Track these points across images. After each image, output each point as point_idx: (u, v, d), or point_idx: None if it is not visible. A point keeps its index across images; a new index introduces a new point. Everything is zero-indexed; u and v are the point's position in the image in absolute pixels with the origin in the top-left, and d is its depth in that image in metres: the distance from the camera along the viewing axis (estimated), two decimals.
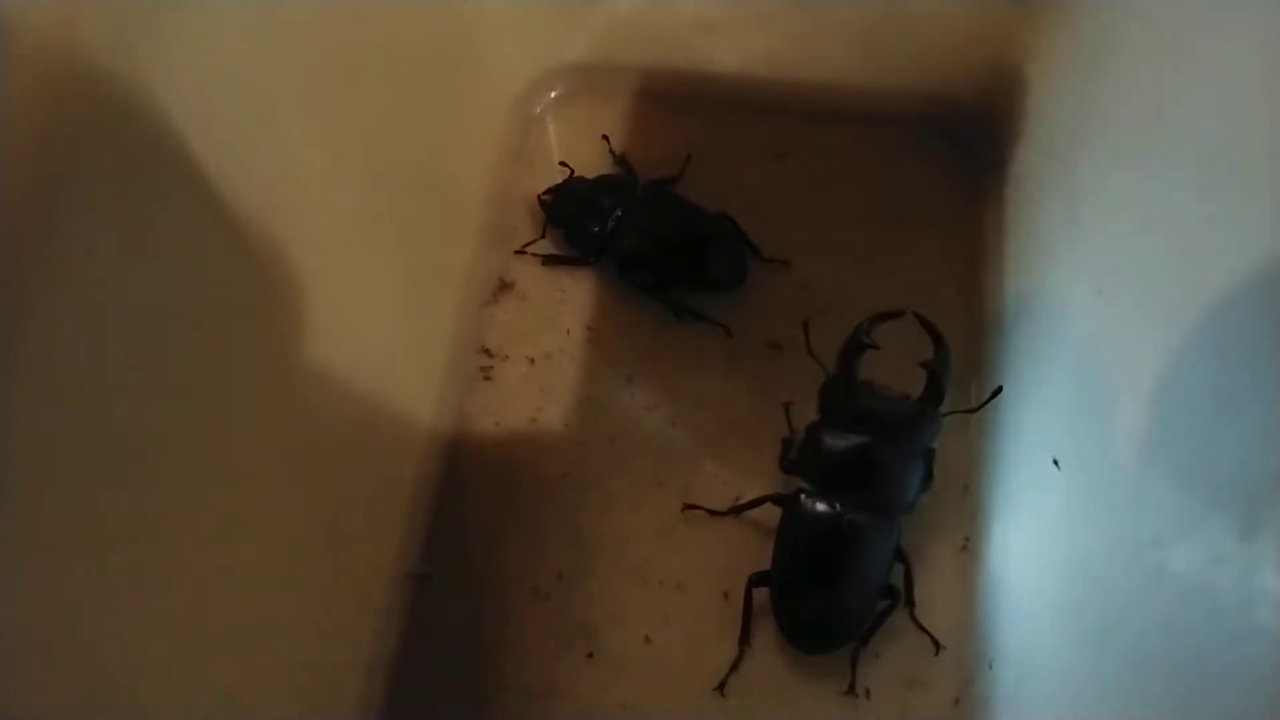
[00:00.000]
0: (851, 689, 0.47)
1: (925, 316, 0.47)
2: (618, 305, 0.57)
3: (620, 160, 0.60)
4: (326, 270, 0.41)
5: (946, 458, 0.52)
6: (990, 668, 0.47)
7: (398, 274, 0.49)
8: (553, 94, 0.62)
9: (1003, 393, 0.48)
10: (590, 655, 0.49)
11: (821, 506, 0.46)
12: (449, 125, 0.54)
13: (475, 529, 0.52)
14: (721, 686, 0.48)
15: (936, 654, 0.48)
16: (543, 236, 0.58)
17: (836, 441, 0.46)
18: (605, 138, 0.60)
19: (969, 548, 0.50)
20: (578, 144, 0.61)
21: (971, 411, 0.49)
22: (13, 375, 0.26)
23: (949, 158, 0.59)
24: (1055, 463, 0.43)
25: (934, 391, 0.46)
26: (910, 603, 0.48)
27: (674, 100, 0.61)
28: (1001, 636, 0.47)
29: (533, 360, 0.56)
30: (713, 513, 0.51)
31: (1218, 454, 0.31)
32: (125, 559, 0.33)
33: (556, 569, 0.51)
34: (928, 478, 0.47)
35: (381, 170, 0.47)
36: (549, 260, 0.58)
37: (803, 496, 0.47)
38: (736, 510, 0.50)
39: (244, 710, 0.39)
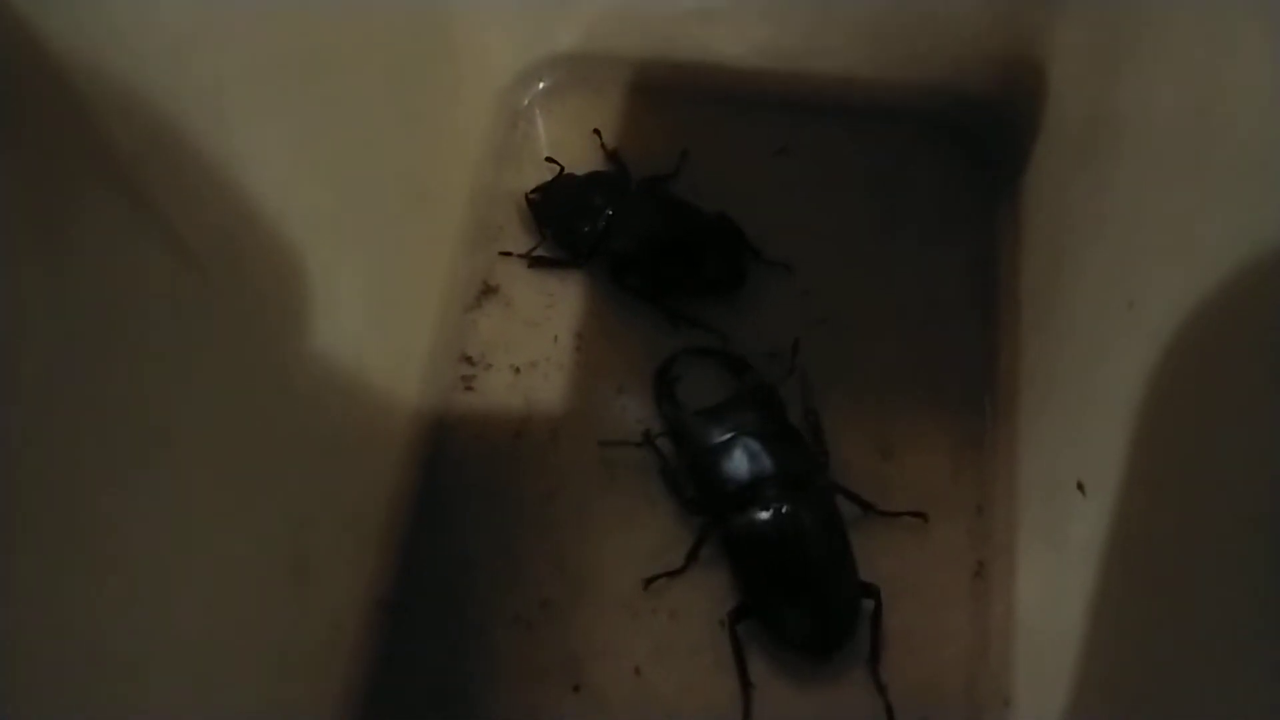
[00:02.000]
0: (889, 712, 0.44)
1: (691, 348, 0.51)
2: (609, 311, 0.53)
3: (613, 156, 0.56)
4: (288, 275, 0.38)
5: (954, 477, 0.49)
6: (1007, 704, 0.44)
7: (370, 278, 0.46)
8: (541, 86, 0.58)
9: (797, 362, 0.50)
10: (576, 689, 0.46)
11: (753, 517, 0.45)
12: (428, 119, 0.51)
13: (454, 553, 0.49)
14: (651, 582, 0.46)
15: (925, 522, 0.47)
16: (541, 241, 0.54)
17: (714, 459, 0.46)
18: (597, 132, 0.57)
19: (983, 574, 0.47)
20: (567, 139, 0.57)
21: (789, 374, 0.50)
22: None
23: (960, 156, 0.56)
24: (1080, 487, 0.39)
25: (736, 366, 0.50)
26: (867, 505, 0.47)
27: (670, 93, 0.58)
28: (1019, 671, 0.44)
29: (518, 369, 0.52)
30: (672, 574, 0.47)
31: (1263, 480, 0.28)
32: (61, 590, 0.29)
33: (540, 596, 0.47)
34: (818, 441, 0.48)
35: (351, 166, 0.43)
36: (536, 262, 0.55)
37: (734, 519, 0.45)
38: (690, 558, 0.47)
39: None
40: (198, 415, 0.33)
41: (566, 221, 0.54)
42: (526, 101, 0.58)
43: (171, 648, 0.35)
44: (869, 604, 0.45)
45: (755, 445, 0.46)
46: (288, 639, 0.41)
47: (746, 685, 0.45)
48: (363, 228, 0.44)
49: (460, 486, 0.50)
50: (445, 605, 0.47)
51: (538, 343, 0.53)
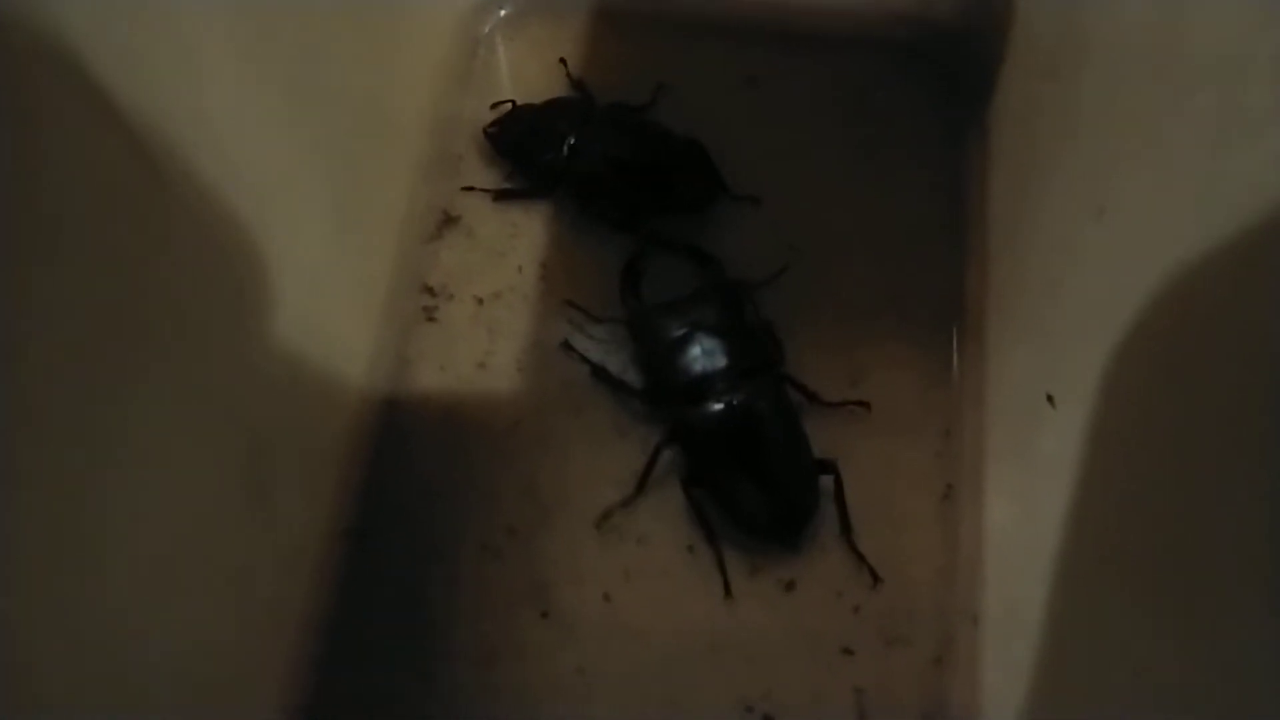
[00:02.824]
0: (874, 577, 0.45)
1: (654, 237, 0.50)
2: (574, 241, 0.52)
3: (578, 85, 0.55)
4: (244, 196, 0.36)
5: (922, 401, 0.49)
6: (975, 624, 0.44)
7: (326, 204, 0.44)
8: (502, 12, 0.57)
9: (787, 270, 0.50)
10: (544, 615, 0.45)
11: (710, 411, 0.45)
12: (384, 43, 0.49)
13: (418, 483, 0.48)
14: (727, 589, 0.45)
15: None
16: (507, 175, 0.53)
17: (669, 353, 0.46)
18: (562, 61, 0.55)
19: (951, 496, 0.47)
20: (528, 67, 0.56)
21: (765, 283, 0.50)
22: None
23: (929, 82, 0.55)
24: (1050, 399, 0.39)
25: (702, 260, 0.49)
26: (812, 396, 0.47)
27: (634, 21, 0.57)
28: (988, 591, 0.44)
29: (480, 300, 0.51)
30: (625, 504, 0.46)
31: (1243, 380, 0.28)
32: (15, 535, 0.28)
33: (507, 524, 0.47)
34: (773, 339, 0.48)
35: (305, 86, 0.42)
36: (502, 195, 0.53)
37: (687, 414, 0.46)
38: (641, 484, 0.46)
39: (159, 671, 0.35)
40: (158, 336, 0.32)
41: (528, 151, 0.53)
42: (487, 29, 0.57)
43: (129, 570, 0.34)
44: (830, 482, 0.46)
45: (710, 340, 0.46)
46: (246, 564, 0.41)
47: (714, 538, 0.45)
48: (319, 151, 0.43)
49: (424, 417, 0.49)
50: (410, 534, 0.46)
51: (501, 273, 0.52)
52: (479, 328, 0.51)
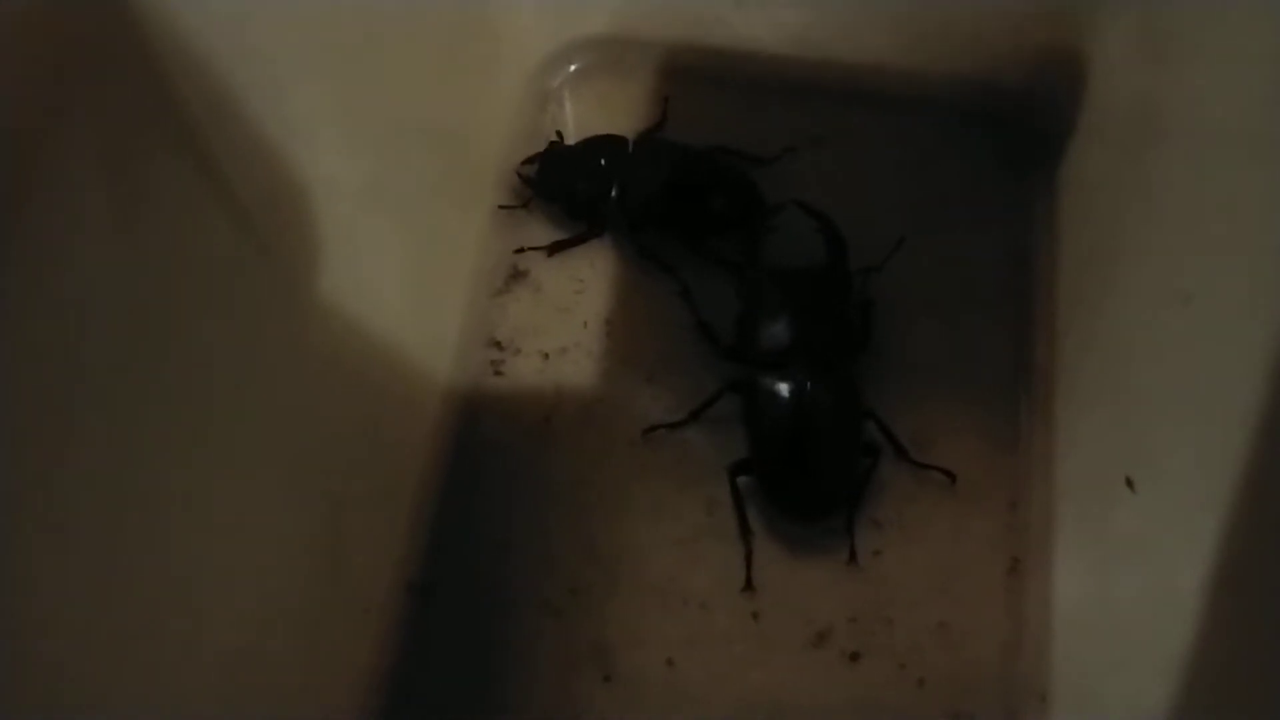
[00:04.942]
0: (852, 556, 0.46)
1: (801, 201, 0.50)
2: (639, 298, 0.53)
3: (656, 127, 0.55)
4: (332, 250, 0.37)
5: (989, 470, 0.48)
6: (1043, 701, 0.43)
7: (405, 258, 0.45)
8: (571, 68, 0.57)
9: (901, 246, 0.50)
10: (607, 678, 0.45)
11: (781, 383, 0.46)
12: (463, 98, 0.50)
13: (482, 537, 0.48)
14: (749, 583, 0.46)
15: (953, 484, 0.47)
16: (564, 239, 0.54)
17: (770, 319, 0.47)
18: (667, 98, 0.56)
19: (1018, 570, 0.46)
20: (594, 122, 0.56)
21: (879, 269, 0.50)
22: None
23: (995, 147, 0.55)
24: (1129, 483, 0.39)
25: (834, 245, 0.49)
26: (901, 450, 0.48)
27: (700, 79, 0.57)
28: (1055, 670, 0.43)
29: (546, 355, 0.51)
30: (671, 426, 0.48)
31: None
32: (106, 562, 0.28)
33: (569, 583, 0.47)
34: (866, 329, 0.49)
35: (392, 142, 0.43)
36: (555, 248, 0.53)
37: (760, 378, 0.47)
38: (695, 414, 0.48)
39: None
40: (246, 393, 0.33)
41: (575, 193, 0.53)
42: (556, 83, 0.57)
43: (213, 624, 0.34)
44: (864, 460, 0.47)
45: (808, 318, 0.47)
46: (318, 618, 0.41)
47: (747, 534, 0.46)
48: (402, 205, 0.43)
49: (490, 471, 0.49)
50: (474, 589, 0.47)
51: (567, 328, 0.52)
52: (545, 383, 0.51)
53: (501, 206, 0.54)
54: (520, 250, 0.53)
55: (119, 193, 0.24)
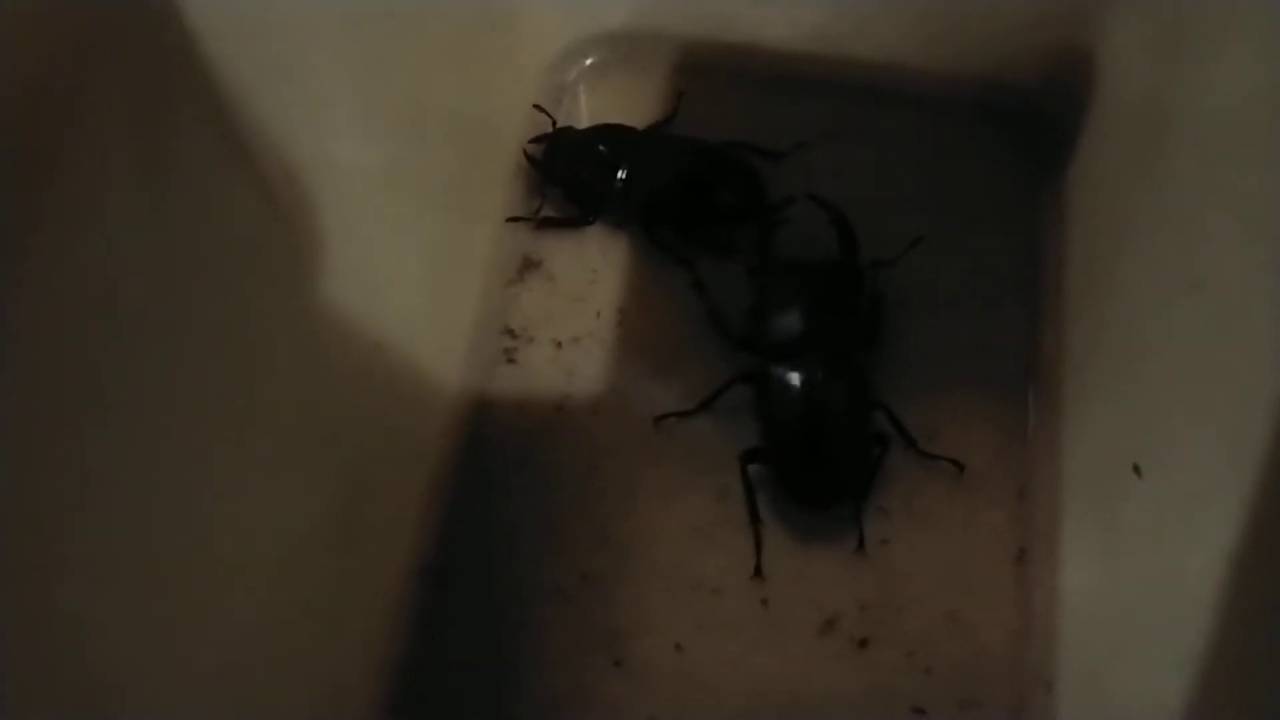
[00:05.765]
0: (861, 545, 0.47)
1: (813, 194, 0.51)
2: (652, 288, 0.53)
3: (667, 120, 0.56)
4: (350, 233, 0.38)
5: (997, 460, 0.49)
6: (1049, 690, 0.44)
7: (423, 251, 0.46)
8: (588, 62, 0.58)
9: (918, 243, 0.51)
10: (617, 663, 0.45)
11: (793, 374, 0.47)
12: (480, 89, 0.51)
13: (495, 524, 0.48)
14: (758, 570, 0.47)
15: (962, 473, 0.48)
16: (543, 201, 0.54)
17: (782, 311, 0.48)
18: (681, 93, 0.56)
19: (1025, 559, 0.47)
20: (609, 116, 0.57)
21: (891, 264, 0.51)
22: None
23: (1006, 144, 0.56)
24: (1136, 469, 0.39)
25: (846, 238, 0.50)
26: (910, 440, 0.48)
27: (716, 74, 0.58)
28: (1062, 657, 0.44)
29: (559, 344, 0.52)
30: (683, 414, 0.49)
31: None
32: (125, 551, 0.29)
33: (581, 569, 0.47)
34: (877, 321, 0.49)
35: (409, 132, 0.43)
36: (545, 223, 0.54)
37: (772, 369, 0.47)
38: (706, 403, 0.49)
39: (246, 712, 0.35)
40: (267, 365, 0.33)
41: (579, 178, 0.53)
42: (572, 77, 0.58)
43: (230, 607, 0.34)
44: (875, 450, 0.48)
45: (820, 310, 0.48)
46: (335, 606, 0.41)
47: (756, 521, 0.47)
48: (419, 192, 0.44)
49: (502, 458, 0.49)
50: (486, 576, 0.47)
51: (580, 318, 0.53)
52: (557, 371, 0.51)
53: (510, 219, 0.54)
54: (511, 219, 0.54)
55: (147, 159, 0.25)
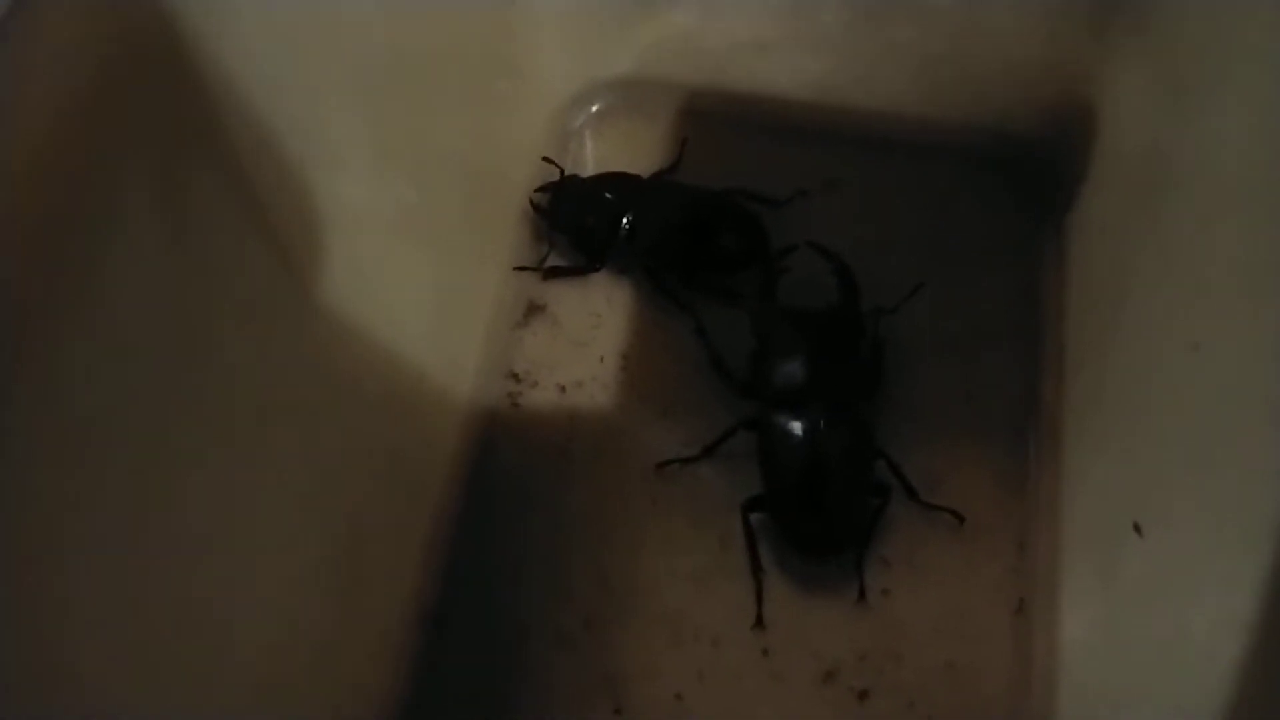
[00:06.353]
0: (862, 595, 0.47)
1: (815, 242, 0.51)
2: (655, 334, 0.54)
3: (670, 170, 0.57)
4: (360, 277, 0.38)
5: (997, 509, 0.49)
6: None
7: (430, 288, 0.46)
8: (594, 109, 0.59)
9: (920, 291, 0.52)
10: (618, 711, 0.45)
11: (795, 422, 0.47)
12: (488, 135, 0.51)
13: (497, 567, 0.48)
14: (759, 620, 0.47)
15: (962, 525, 0.48)
16: (550, 249, 0.55)
17: (784, 358, 0.48)
18: (685, 140, 0.57)
19: (1026, 610, 0.47)
20: (615, 162, 0.57)
21: (893, 311, 0.51)
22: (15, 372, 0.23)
23: (1006, 193, 0.56)
24: (1137, 528, 0.40)
25: (847, 287, 0.50)
26: (911, 490, 0.48)
27: (720, 121, 0.58)
28: (1063, 710, 0.44)
29: (563, 388, 0.52)
30: (685, 461, 0.49)
31: None
32: (124, 592, 0.29)
33: (583, 615, 0.47)
34: (879, 369, 0.50)
35: (419, 178, 0.44)
36: (550, 274, 0.54)
37: (774, 416, 0.47)
38: (709, 449, 0.49)
39: None
40: (276, 407, 0.34)
41: (584, 226, 0.54)
42: (579, 123, 0.59)
43: (231, 650, 0.34)
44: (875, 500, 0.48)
45: (822, 359, 0.48)
46: (336, 649, 0.41)
47: (758, 570, 0.47)
48: (428, 236, 0.44)
49: (505, 501, 0.50)
50: (488, 619, 0.47)
51: (584, 362, 0.53)
52: (560, 415, 0.52)
53: (517, 268, 0.55)
54: (518, 269, 0.54)
55: (165, 209, 0.25)
